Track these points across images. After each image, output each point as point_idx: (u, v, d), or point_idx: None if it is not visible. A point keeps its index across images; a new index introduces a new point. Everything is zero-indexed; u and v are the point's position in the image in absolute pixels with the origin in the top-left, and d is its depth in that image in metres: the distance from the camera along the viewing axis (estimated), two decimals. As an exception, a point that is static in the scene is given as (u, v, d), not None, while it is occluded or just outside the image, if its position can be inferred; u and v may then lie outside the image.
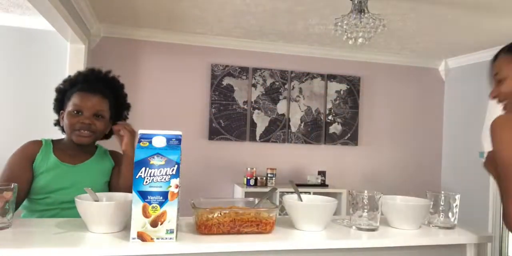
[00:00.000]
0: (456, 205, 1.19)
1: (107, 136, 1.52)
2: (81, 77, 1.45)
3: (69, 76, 1.48)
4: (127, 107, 1.56)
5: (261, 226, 1.00)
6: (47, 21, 2.71)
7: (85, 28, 3.22)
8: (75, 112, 1.37)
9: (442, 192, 1.22)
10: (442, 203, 1.19)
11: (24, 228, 0.99)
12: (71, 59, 3.27)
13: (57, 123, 1.48)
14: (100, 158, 1.47)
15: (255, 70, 3.86)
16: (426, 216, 1.18)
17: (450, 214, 1.18)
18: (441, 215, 1.19)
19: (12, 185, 0.99)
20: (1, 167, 1.35)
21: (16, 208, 1.19)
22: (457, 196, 1.20)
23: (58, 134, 1.51)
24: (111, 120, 1.47)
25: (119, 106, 1.50)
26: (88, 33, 3.33)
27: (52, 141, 1.44)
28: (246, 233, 0.99)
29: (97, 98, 1.39)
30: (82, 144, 1.40)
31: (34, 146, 1.39)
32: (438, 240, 1.09)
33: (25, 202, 1.35)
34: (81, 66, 3.24)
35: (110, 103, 1.44)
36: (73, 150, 1.42)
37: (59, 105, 1.46)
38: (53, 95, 1.52)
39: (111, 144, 1.57)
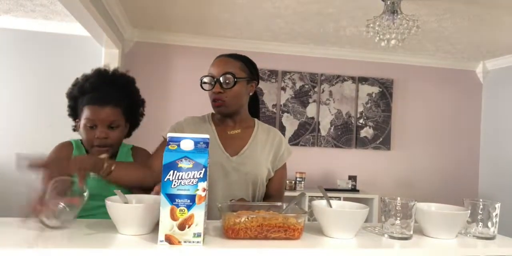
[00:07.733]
0: (496, 214, 1.12)
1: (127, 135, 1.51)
2: (89, 84, 1.41)
3: (77, 79, 1.45)
4: (142, 103, 1.53)
5: (289, 232, 0.98)
6: (83, 27, 2.81)
7: (119, 33, 3.31)
8: (90, 126, 1.37)
9: (481, 200, 1.15)
10: (480, 212, 1.13)
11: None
12: (105, 63, 3.37)
13: (75, 129, 1.49)
14: (122, 161, 1.44)
15: (284, 73, 3.84)
16: (463, 225, 1.13)
17: (489, 224, 1.12)
18: (480, 225, 1.13)
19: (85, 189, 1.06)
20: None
21: None
22: (497, 205, 1.13)
23: None
24: (128, 122, 1.47)
25: (133, 105, 1.48)
26: (121, 38, 3.43)
27: (81, 142, 1.44)
28: (274, 238, 0.97)
29: (108, 109, 1.37)
30: None
31: (66, 149, 1.39)
32: (477, 251, 1.03)
33: None
34: (115, 70, 3.33)
35: (123, 109, 1.42)
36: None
37: (74, 111, 1.45)
38: None
39: (134, 138, 1.58)
